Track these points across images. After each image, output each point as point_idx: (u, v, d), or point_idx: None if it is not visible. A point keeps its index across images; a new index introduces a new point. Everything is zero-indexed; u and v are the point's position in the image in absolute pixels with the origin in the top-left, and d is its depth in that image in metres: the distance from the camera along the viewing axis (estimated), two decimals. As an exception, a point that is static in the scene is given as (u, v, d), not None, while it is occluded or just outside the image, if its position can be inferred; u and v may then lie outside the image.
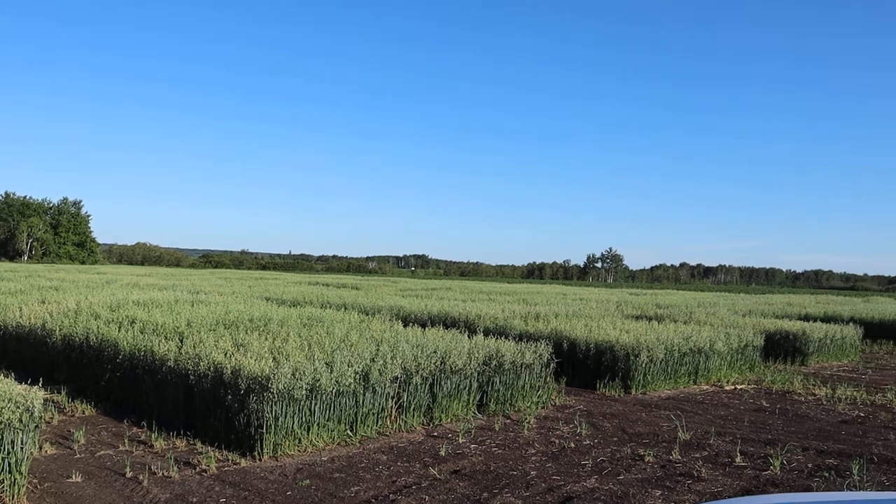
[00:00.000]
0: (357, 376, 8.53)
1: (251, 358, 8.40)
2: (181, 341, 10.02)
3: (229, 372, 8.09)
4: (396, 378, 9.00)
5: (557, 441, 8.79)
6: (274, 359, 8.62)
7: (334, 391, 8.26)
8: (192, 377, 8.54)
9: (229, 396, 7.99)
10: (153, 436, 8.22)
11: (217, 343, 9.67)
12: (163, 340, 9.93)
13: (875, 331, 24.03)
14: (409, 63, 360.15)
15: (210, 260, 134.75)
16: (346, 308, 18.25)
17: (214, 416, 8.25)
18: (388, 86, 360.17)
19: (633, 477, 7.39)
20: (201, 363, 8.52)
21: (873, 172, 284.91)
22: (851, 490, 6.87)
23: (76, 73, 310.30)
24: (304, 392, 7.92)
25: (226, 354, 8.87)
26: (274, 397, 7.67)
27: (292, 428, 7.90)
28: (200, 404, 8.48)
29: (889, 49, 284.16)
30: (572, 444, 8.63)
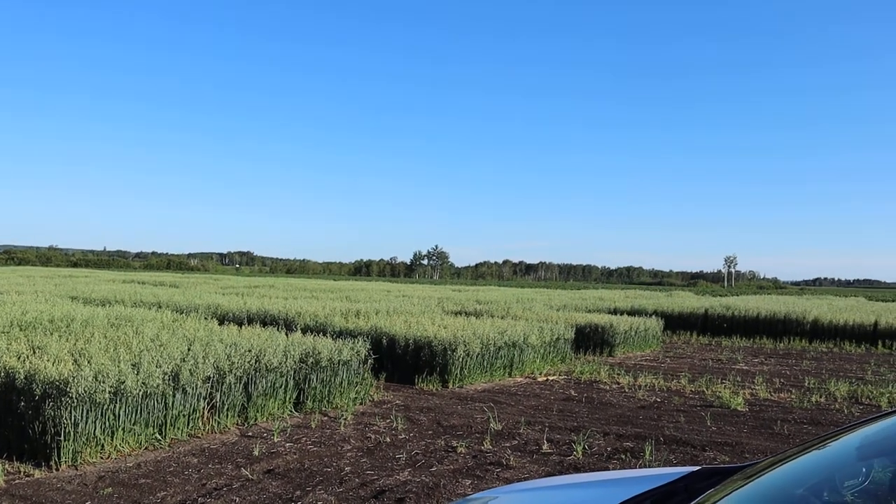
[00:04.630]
0: (166, 377, 8.20)
1: (48, 361, 7.88)
2: (-32, 345, 9.24)
3: (23, 377, 7.54)
4: (209, 378, 8.74)
5: (373, 436, 8.87)
6: (75, 361, 8.13)
7: (141, 393, 7.90)
8: (-21, 384, 7.90)
9: (22, 403, 7.45)
10: (-68, 449, 7.53)
11: (10, 346, 8.99)
12: (-54, 344, 9.11)
13: (675, 322, 26.12)
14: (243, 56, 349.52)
15: (12, 256, 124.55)
16: (160, 307, 17.54)
17: (5, 425, 7.66)
18: (218, 77, 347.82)
19: (446, 468, 7.59)
20: (-10, 368, 7.89)
21: (680, 177, 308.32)
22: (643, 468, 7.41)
23: None
24: (107, 395, 7.51)
25: (19, 358, 8.26)
26: (73, 402, 7.22)
27: (94, 434, 7.47)
28: (-11, 413, 7.86)
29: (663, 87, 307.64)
30: (388, 439, 8.74)
